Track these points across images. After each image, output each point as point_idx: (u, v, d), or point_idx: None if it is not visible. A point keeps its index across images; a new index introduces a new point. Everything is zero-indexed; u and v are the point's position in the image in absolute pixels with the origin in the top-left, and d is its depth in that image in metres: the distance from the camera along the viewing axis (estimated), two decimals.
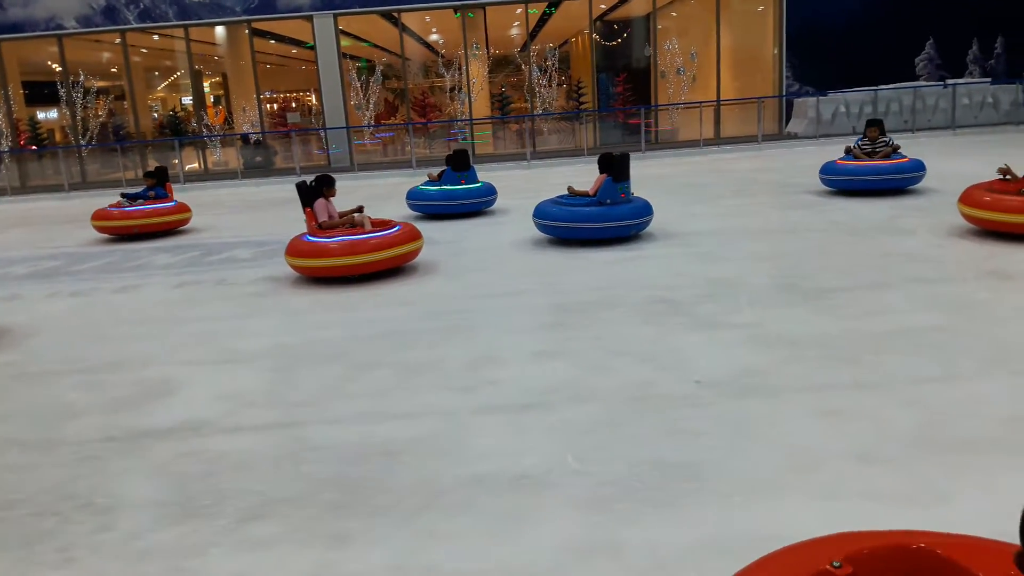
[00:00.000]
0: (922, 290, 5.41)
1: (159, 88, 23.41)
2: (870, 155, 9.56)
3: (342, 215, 7.17)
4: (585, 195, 7.75)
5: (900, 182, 9.36)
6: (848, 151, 9.81)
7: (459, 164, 10.08)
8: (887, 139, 9.65)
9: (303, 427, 3.83)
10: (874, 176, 9.32)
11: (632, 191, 7.95)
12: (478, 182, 10.23)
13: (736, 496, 2.90)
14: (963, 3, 18.54)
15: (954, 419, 3.40)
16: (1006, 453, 3.09)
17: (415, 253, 7.13)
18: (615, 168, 7.63)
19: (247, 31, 18.71)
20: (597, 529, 2.76)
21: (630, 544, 2.66)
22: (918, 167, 9.41)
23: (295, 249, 6.83)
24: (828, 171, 9.75)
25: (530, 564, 2.61)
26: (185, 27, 18.73)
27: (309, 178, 7.14)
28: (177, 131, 19.57)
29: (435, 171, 10.67)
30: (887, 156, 9.46)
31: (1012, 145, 13.85)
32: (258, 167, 18.78)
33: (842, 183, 9.60)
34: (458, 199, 10.03)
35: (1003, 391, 3.67)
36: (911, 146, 15.39)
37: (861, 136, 9.95)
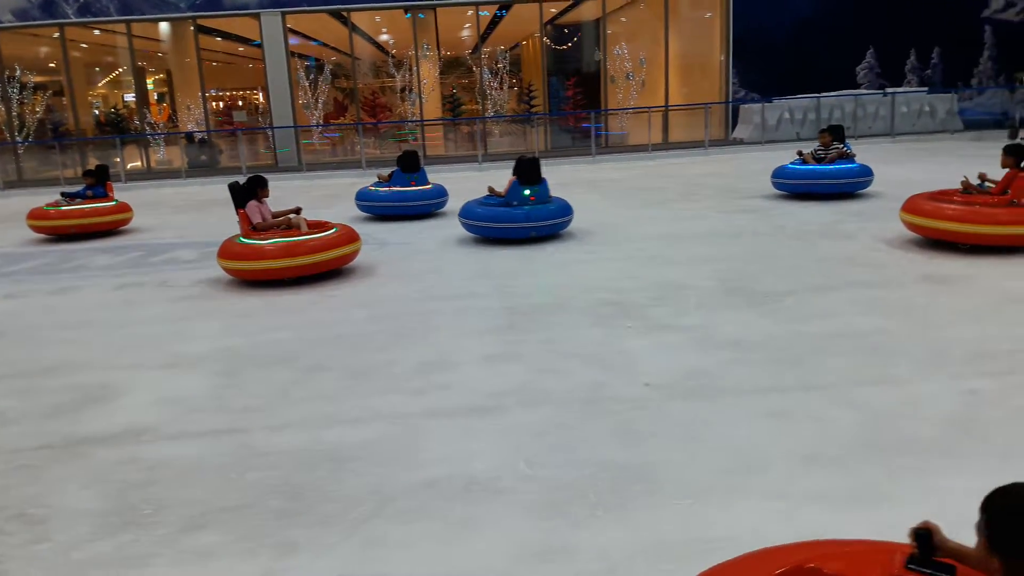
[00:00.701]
0: (863, 294, 5.56)
1: (100, 84, 22.73)
2: (819, 160, 9.81)
3: (277, 215, 7.03)
4: (501, 196, 7.98)
5: (848, 187, 9.64)
6: (799, 155, 10.04)
7: (409, 165, 10.00)
8: (840, 145, 9.90)
9: (248, 433, 3.75)
10: (823, 180, 9.57)
11: (550, 193, 8.21)
12: (428, 184, 10.15)
13: (686, 499, 2.93)
14: (902, 15, 19.18)
15: (894, 421, 3.50)
16: (944, 454, 3.18)
17: (353, 255, 7.03)
18: (522, 171, 7.87)
19: (192, 28, 18.30)
20: (550, 534, 2.76)
21: (582, 548, 2.66)
22: (866, 172, 9.70)
23: (228, 251, 6.66)
24: (779, 175, 9.99)
25: (483, 570, 2.59)
26: (127, 22, 18.24)
27: (241, 179, 6.97)
28: (119, 129, 19.02)
29: (385, 172, 10.56)
30: (833, 161, 9.71)
31: (947, 153, 14.35)
32: (203, 166, 18.37)
33: (792, 187, 9.85)
34: (409, 200, 9.96)
35: (941, 393, 3.78)
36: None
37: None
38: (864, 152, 15.41)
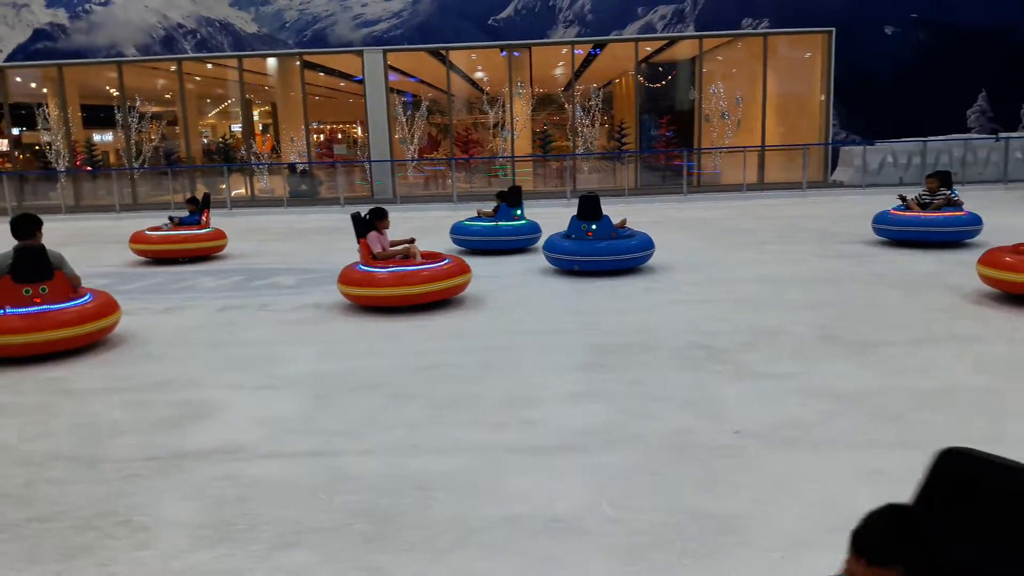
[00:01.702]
0: (968, 348, 5.29)
1: (210, 115, 24.10)
2: (924, 206, 9.43)
3: (394, 244, 7.29)
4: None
5: (955, 235, 9.21)
6: (902, 199, 9.69)
7: (514, 200, 10.18)
8: (948, 192, 9.50)
9: (339, 456, 3.85)
10: (927, 228, 9.18)
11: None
12: (524, 219, 10.30)
13: (774, 552, 2.84)
14: (1017, 56, 18.33)
15: None
16: None
17: (463, 286, 7.19)
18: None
19: (298, 63, 19.22)
20: None
21: None
22: (974, 221, 9.25)
23: (347, 278, 6.96)
24: (881, 220, 9.65)
25: None
26: (239, 57, 19.30)
27: (363, 210, 7.27)
28: (227, 157, 20.07)
29: (488, 207, 10.74)
30: (939, 208, 9.31)
31: None
32: (303, 196, 19.14)
33: (895, 233, 9.48)
34: (503, 235, 10.06)
35: None
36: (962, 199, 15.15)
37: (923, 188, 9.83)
38: (974, 199, 14.74)
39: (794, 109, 19.46)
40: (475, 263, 9.33)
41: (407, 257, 7.06)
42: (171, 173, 19.43)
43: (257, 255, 10.76)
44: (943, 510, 1.37)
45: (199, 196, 10.98)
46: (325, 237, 12.79)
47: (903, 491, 3.29)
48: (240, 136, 20.71)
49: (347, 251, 10.80)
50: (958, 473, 1.37)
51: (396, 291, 6.73)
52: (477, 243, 10.15)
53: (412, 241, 7.35)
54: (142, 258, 10.35)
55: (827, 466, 3.55)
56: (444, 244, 10.61)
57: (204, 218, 10.51)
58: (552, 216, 14.03)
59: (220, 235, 10.56)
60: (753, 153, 18.43)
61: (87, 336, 5.77)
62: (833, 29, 18.19)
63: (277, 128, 21.25)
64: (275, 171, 19.79)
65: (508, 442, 3.96)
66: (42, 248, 5.76)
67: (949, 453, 1.39)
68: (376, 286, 6.76)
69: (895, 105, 17.34)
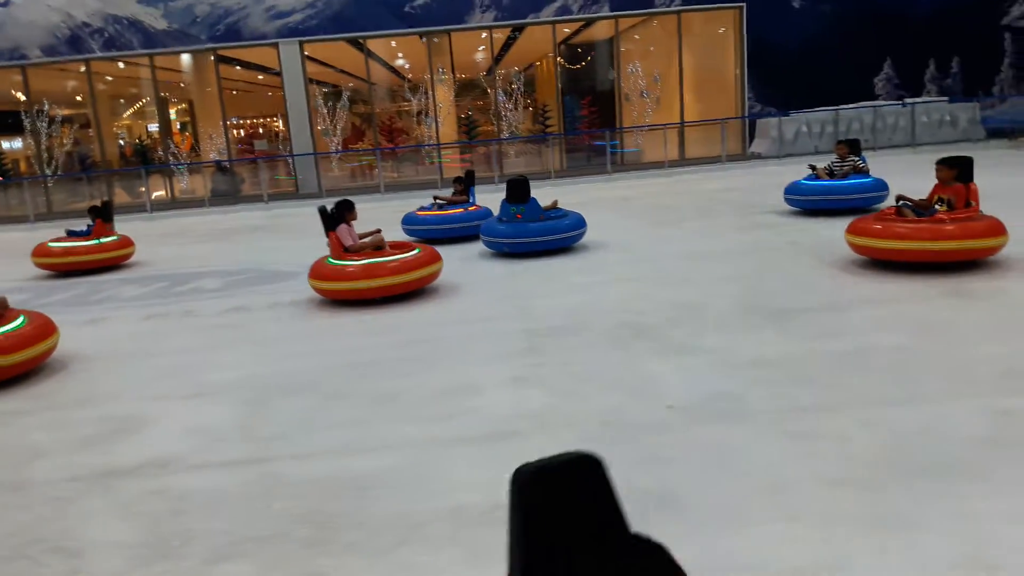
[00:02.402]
0: (884, 310, 5.53)
1: (125, 116, 23.21)
2: (832, 174, 9.75)
3: (362, 236, 7.23)
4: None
5: (862, 201, 9.53)
6: (812, 168, 9.99)
7: (517, 195, 8.57)
8: (855, 158, 9.84)
9: (274, 462, 3.80)
10: (836, 196, 9.51)
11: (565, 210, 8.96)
12: (476, 204, 10.31)
13: (709, 524, 2.94)
14: (919, 24, 19.10)
15: (921, 442, 3.47)
16: (974, 477, 3.15)
17: (435, 275, 7.17)
18: (510, 191, 8.60)
19: (213, 58, 18.67)
20: None
21: None
22: (881, 186, 9.62)
23: (318, 272, 6.90)
24: (792, 191, 9.94)
25: None
26: (150, 55, 18.63)
27: (329, 204, 7.17)
28: (144, 159, 19.40)
29: (443, 194, 10.65)
30: (846, 175, 9.66)
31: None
32: (225, 195, 18.66)
33: (805, 203, 9.78)
34: (454, 223, 9.95)
35: (969, 413, 3.75)
36: (873, 164, 15.77)
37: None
38: (885, 163, 15.35)
39: (710, 85, 19.86)
40: None
41: (379, 248, 7.04)
42: (87, 179, 18.66)
43: (180, 259, 10.46)
44: None
45: (100, 204, 10.46)
46: (249, 236, 12.52)
47: (829, 452, 3.45)
48: (158, 136, 20.02)
49: (272, 250, 10.65)
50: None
51: (368, 283, 6.70)
52: (428, 232, 9.92)
53: (378, 231, 7.32)
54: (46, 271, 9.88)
55: (754, 435, 3.68)
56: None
57: (96, 228, 9.86)
58: (480, 201, 14.05)
59: (127, 243, 10.13)
60: (673, 130, 18.77)
61: (27, 363, 5.33)
62: (744, 4, 18.61)
63: (195, 126, 20.63)
64: (195, 171, 19.22)
65: (446, 434, 3.97)
66: None
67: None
68: (348, 279, 6.71)
69: (806, 76, 17.93)
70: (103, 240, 9.82)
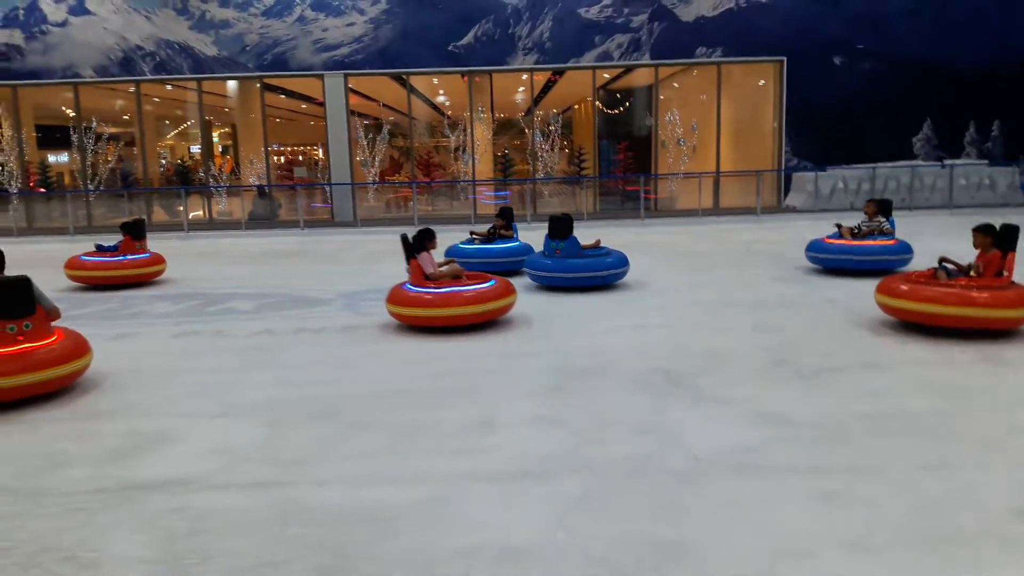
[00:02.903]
0: (918, 373, 5.44)
1: (169, 136, 23.82)
2: (855, 234, 9.57)
3: (440, 265, 7.49)
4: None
5: (882, 264, 9.31)
6: (838, 227, 9.84)
7: (558, 231, 8.78)
8: (882, 219, 9.69)
9: (295, 487, 3.81)
10: (857, 256, 9.35)
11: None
12: (517, 240, 10.42)
13: None
14: (960, 86, 19.05)
15: (948, 508, 3.39)
16: (1000, 545, 3.07)
17: (508, 308, 7.24)
18: (552, 227, 8.84)
19: (259, 86, 19.14)
20: None
21: None
22: (904, 250, 9.45)
23: (396, 297, 7.07)
24: (813, 248, 9.82)
25: None
26: (198, 80, 19.16)
27: (411, 232, 7.35)
28: (185, 179, 19.83)
29: (480, 229, 10.75)
30: (864, 236, 9.46)
31: None
32: (262, 218, 18.97)
33: (825, 261, 9.63)
34: (492, 257, 10.01)
35: (997, 480, 3.66)
36: (908, 224, 15.63)
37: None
38: (921, 225, 15.22)
39: (748, 136, 19.90)
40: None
41: (456, 277, 7.21)
42: (128, 195, 19.11)
43: (213, 279, 10.62)
44: None
45: (131, 221, 10.64)
46: (284, 261, 12.69)
47: (852, 516, 3.37)
48: (199, 157, 20.49)
49: (306, 275, 10.77)
50: None
51: (444, 312, 6.84)
52: (472, 265, 10.00)
53: (453, 261, 7.56)
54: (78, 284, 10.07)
55: (778, 491, 3.61)
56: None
57: (123, 244, 10.04)
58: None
59: (158, 260, 10.31)
60: (708, 179, 18.79)
61: (67, 377, 5.35)
62: (784, 58, 18.71)
63: (237, 150, 21.09)
64: (234, 193, 19.59)
65: (467, 470, 3.95)
66: (27, 280, 5.35)
67: None
68: (425, 306, 6.87)
69: (845, 132, 17.91)
70: (128, 257, 10.02)
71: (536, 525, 3.33)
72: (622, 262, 8.89)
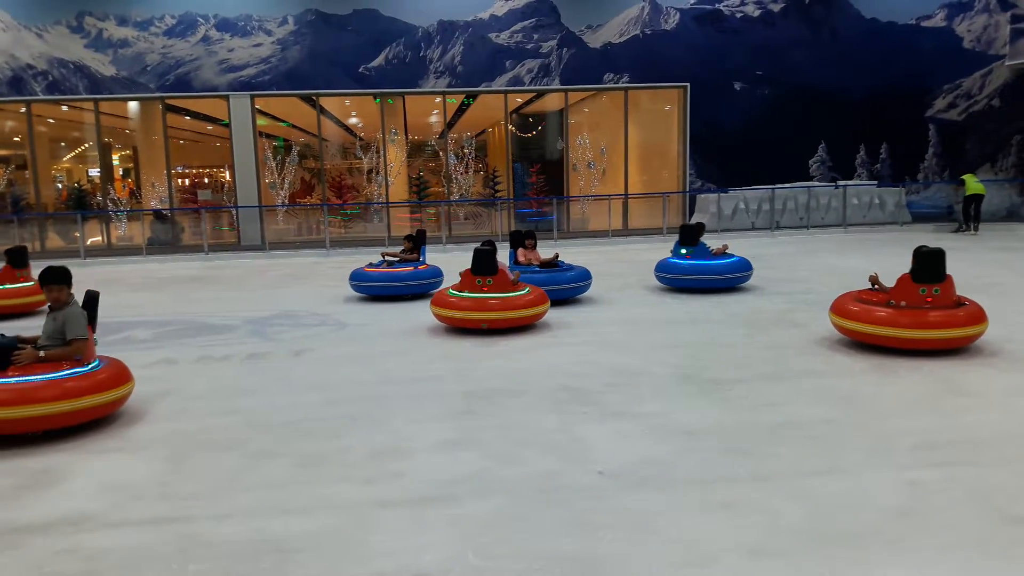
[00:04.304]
0: (812, 383, 5.69)
1: (65, 159, 22.73)
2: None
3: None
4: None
5: (728, 281, 9.82)
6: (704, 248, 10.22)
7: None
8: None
9: (195, 522, 3.66)
10: (703, 275, 9.76)
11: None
12: (425, 264, 10.31)
13: None
14: (851, 112, 20.17)
15: (839, 512, 3.55)
16: (886, 545, 3.23)
17: (541, 315, 7.89)
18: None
19: (161, 106, 18.55)
20: None
21: None
22: (745, 267, 9.93)
23: (439, 301, 7.91)
24: (661, 268, 10.20)
25: None
26: (95, 100, 18.42)
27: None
28: (81, 204, 18.95)
29: (394, 250, 10.64)
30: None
31: (896, 244, 14.89)
32: (164, 243, 18.32)
33: (673, 281, 10.02)
34: (402, 280, 9.89)
35: (885, 484, 3.85)
36: (806, 242, 16.40)
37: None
38: (818, 242, 15.99)
39: (655, 159, 20.54)
40: (348, 310, 9.22)
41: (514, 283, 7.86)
42: (18, 221, 18.11)
43: (111, 307, 10.14)
44: None
45: (13, 248, 10.13)
46: (187, 286, 12.26)
47: (752, 522, 3.49)
48: (98, 181, 19.63)
49: (210, 301, 10.44)
50: None
51: (471, 315, 7.62)
52: (376, 289, 9.89)
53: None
54: None
55: (682, 502, 3.71)
56: (327, 291, 10.40)
57: (2, 273, 9.59)
58: (429, 261, 14.07)
59: (38, 290, 9.81)
60: (617, 201, 19.26)
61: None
62: (687, 84, 19.42)
63: (138, 173, 20.32)
64: (134, 218, 18.85)
65: (375, 497, 3.89)
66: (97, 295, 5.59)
67: None
68: (451, 309, 7.71)
69: (745, 155, 18.70)
70: (7, 286, 9.49)
71: (446, 549, 3.31)
72: (584, 276, 9.41)
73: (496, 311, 7.58)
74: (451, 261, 14.09)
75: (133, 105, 19.48)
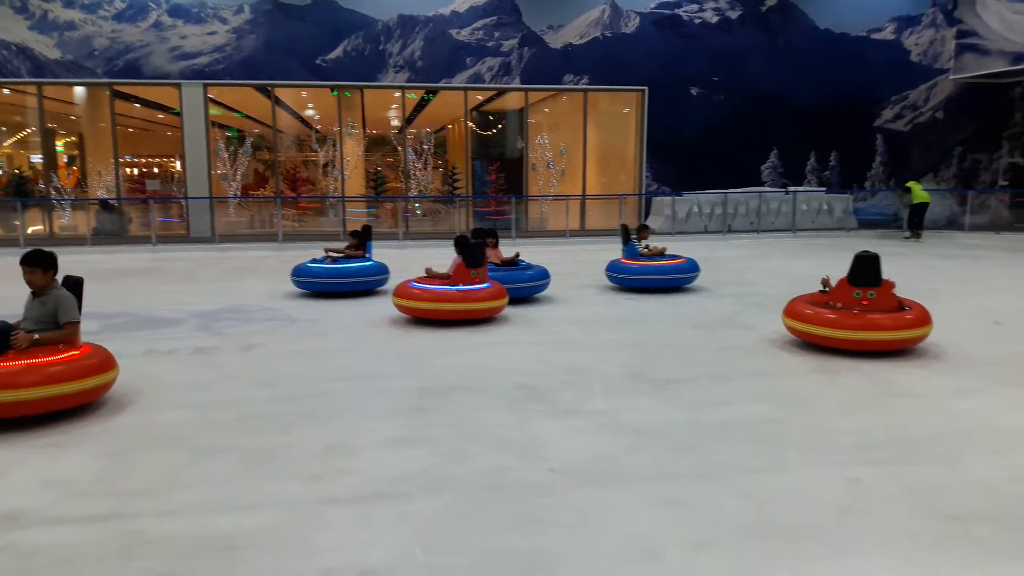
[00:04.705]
0: (758, 383, 5.81)
1: (5, 144, 21.99)
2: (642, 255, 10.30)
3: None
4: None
5: (676, 281, 10.07)
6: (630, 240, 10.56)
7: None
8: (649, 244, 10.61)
9: (137, 518, 3.58)
10: (652, 275, 9.96)
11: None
12: (370, 260, 10.11)
13: None
14: (803, 119, 20.62)
15: (781, 508, 3.64)
16: (824, 541, 3.32)
17: (499, 309, 8.09)
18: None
19: (109, 93, 18.08)
20: None
21: None
22: (693, 268, 10.13)
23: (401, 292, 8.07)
24: (612, 268, 10.37)
25: None
26: (38, 84, 17.87)
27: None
28: (22, 191, 18.36)
29: (338, 246, 10.41)
30: (649, 258, 10.25)
31: (843, 249, 15.26)
32: (110, 234, 17.86)
33: (623, 280, 10.20)
34: (348, 276, 9.71)
35: (825, 481, 3.96)
36: (756, 245, 16.72)
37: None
38: (768, 245, 16.31)
39: (613, 161, 20.72)
40: (301, 306, 9.10)
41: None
42: None
43: None
44: None
45: None
46: (134, 279, 11.98)
47: (697, 518, 3.55)
48: (40, 168, 19.05)
49: (158, 294, 10.21)
50: None
51: (430, 306, 7.85)
52: (318, 285, 9.69)
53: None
54: None
55: (630, 499, 3.75)
56: (265, 286, 10.26)
57: None
58: (384, 258, 13.98)
59: None
60: (576, 201, 19.38)
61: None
62: (646, 88, 19.63)
63: (84, 160, 19.76)
64: (79, 207, 18.34)
65: (322, 493, 3.86)
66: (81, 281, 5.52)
67: None
68: (411, 299, 7.93)
69: (700, 160, 18.99)
70: None
71: (394, 546, 3.30)
72: (543, 275, 9.47)
73: (456, 303, 7.75)
74: (408, 258, 14.04)
75: (79, 90, 18.94)
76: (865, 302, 6.56)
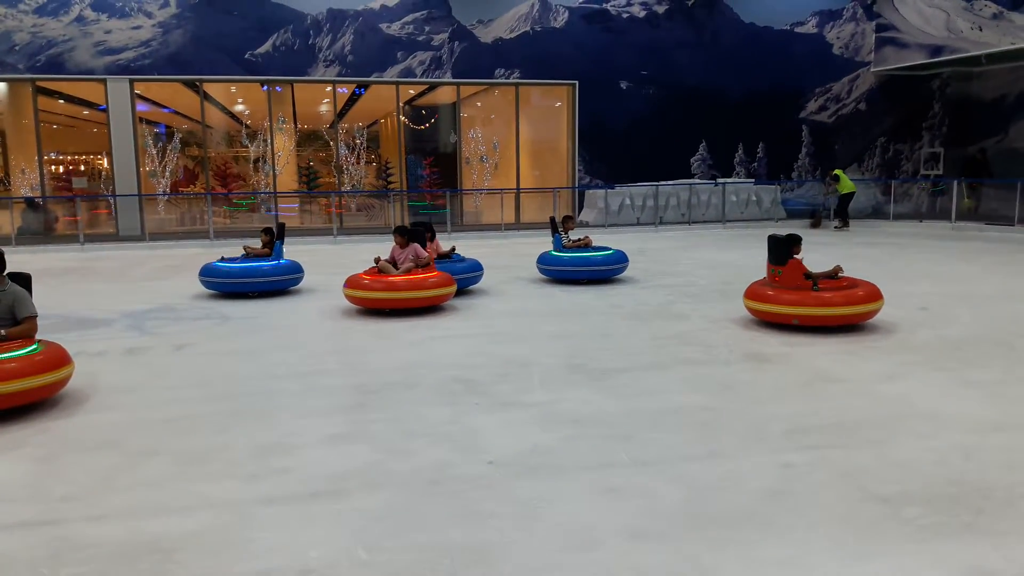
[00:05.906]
0: (692, 371, 5.97)
1: None
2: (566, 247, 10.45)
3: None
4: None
5: (606, 272, 10.21)
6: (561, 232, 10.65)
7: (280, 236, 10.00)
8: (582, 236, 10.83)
9: (67, 524, 3.49)
10: (582, 267, 10.11)
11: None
12: (282, 259, 9.82)
13: None
14: (730, 112, 21.11)
15: (717, 494, 3.75)
16: (759, 526, 3.44)
17: (447, 296, 8.38)
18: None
19: (31, 88, 17.35)
20: None
21: None
22: (622, 259, 10.29)
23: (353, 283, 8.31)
24: (542, 260, 10.48)
25: None
26: None
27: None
28: None
29: (255, 244, 10.17)
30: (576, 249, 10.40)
31: None
32: (35, 233, 17.17)
33: (552, 272, 10.34)
34: (261, 276, 9.43)
35: (759, 467, 4.10)
36: (687, 237, 17.08)
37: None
38: (699, 237, 16.69)
39: (545, 155, 20.86)
40: (230, 305, 8.92)
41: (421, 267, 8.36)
42: None
43: None
44: None
45: None
46: (61, 279, 11.56)
47: (634, 507, 3.64)
48: None
49: (86, 294, 9.88)
50: None
51: (379, 295, 8.09)
52: (231, 285, 9.39)
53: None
54: None
55: (569, 489, 3.82)
56: (193, 286, 10.04)
57: None
58: (318, 254, 13.82)
59: None
60: (510, 195, 19.46)
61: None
62: (576, 82, 19.81)
63: (6, 158, 18.93)
64: (3, 205, 17.56)
65: (260, 494, 3.82)
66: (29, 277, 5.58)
67: None
68: (358, 289, 8.20)
69: (631, 153, 19.28)
70: None
71: (334, 544, 3.30)
72: (476, 267, 9.67)
73: (404, 291, 8.04)
74: (342, 253, 13.91)
75: (0, 86, 18.12)
76: (776, 279, 7.22)
